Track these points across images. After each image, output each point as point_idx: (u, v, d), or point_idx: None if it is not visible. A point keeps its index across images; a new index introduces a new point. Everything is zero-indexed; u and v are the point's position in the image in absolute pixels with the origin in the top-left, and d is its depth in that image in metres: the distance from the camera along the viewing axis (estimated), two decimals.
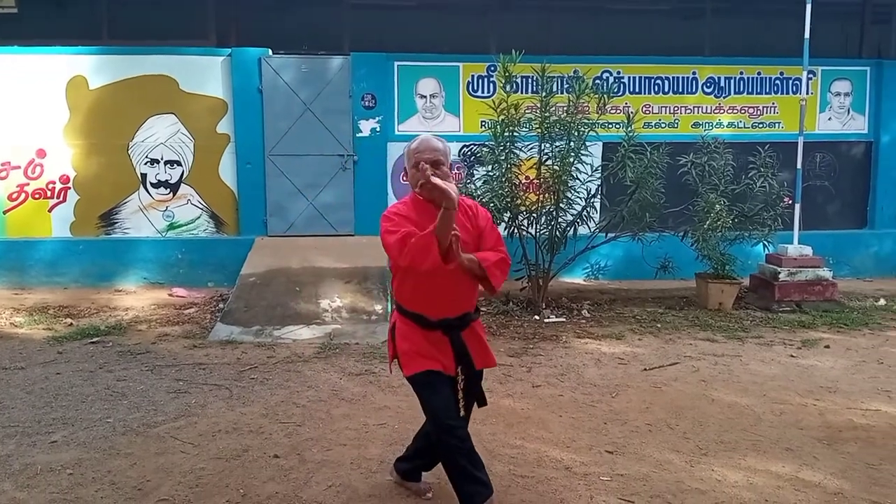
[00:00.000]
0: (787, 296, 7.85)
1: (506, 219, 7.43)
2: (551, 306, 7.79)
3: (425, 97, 9.36)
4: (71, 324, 7.06)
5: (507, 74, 7.26)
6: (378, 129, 9.21)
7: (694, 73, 9.74)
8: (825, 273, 8.01)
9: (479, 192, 7.40)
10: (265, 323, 6.91)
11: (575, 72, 8.88)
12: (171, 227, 9.16)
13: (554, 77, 7.60)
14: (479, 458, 3.14)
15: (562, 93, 8.03)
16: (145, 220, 9.10)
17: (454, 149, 8.73)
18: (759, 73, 9.85)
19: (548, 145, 7.49)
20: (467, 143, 9.26)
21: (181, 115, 9.02)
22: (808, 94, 8.33)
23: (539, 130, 7.43)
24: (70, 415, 4.61)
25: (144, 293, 8.52)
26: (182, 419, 4.54)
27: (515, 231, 7.57)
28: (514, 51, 7.17)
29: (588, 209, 7.72)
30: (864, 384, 5.33)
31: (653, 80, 9.68)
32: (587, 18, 10.38)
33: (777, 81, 9.89)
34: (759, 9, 10.41)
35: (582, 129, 7.42)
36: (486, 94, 9.25)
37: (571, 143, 7.40)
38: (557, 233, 7.62)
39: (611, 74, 9.51)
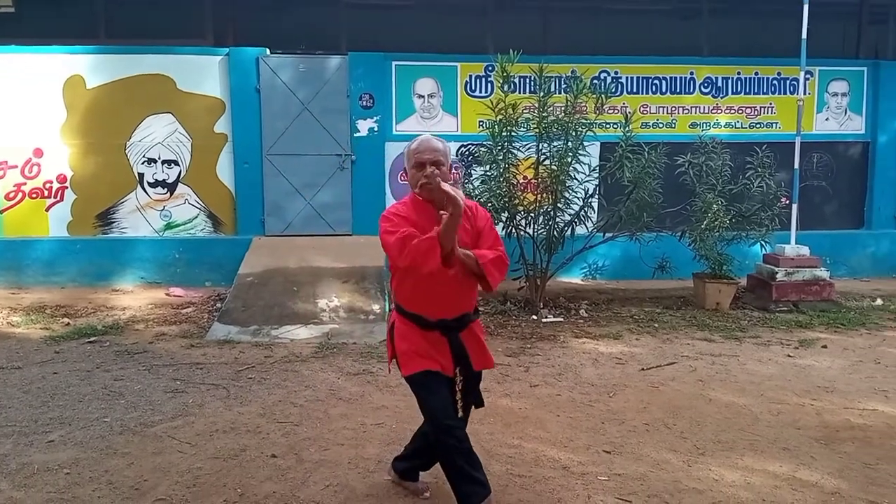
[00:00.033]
0: (784, 296, 7.87)
1: (503, 219, 7.43)
2: (549, 306, 7.79)
3: (423, 97, 9.36)
4: (68, 323, 7.05)
5: (504, 74, 7.26)
6: (376, 129, 9.21)
7: (691, 73, 9.75)
8: (822, 273, 8.03)
9: (476, 192, 7.40)
10: (263, 322, 6.90)
11: (573, 72, 8.88)
12: (169, 226, 9.14)
13: (552, 77, 7.61)
14: (476, 458, 3.14)
15: (560, 93, 8.04)
16: (142, 220, 9.09)
17: (452, 149, 8.70)
18: (756, 74, 9.86)
19: (545, 145, 7.49)
20: (465, 143, 9.25)
21: (178, 115, 9.00)
22: (805, 94, 8.33)
23: (537, 130, 7.44)
24: (67, 414, 4.61)
25: (142, 293, 8.50)
26: (179, 419, 4.54)
27: (513, 231, 7.57)
28: (511, 51, 7.17)
29: (586, 209, 7.72)
30: (861, 384, 5.34)
31: (650, 81, 9.68)
32: (585, 19, 10.40)
33: (774, 82, 9.90)
34: (757, 9, 10.44)
35: (580, 129, 7.43)
36: (483, 94, 9.25)
37: (569, 143, 7.41)
38: (555, 233, 7.62)
39: (608, 74, 9.52)
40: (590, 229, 7.99)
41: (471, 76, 9.37)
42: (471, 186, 7.68)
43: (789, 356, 6.10)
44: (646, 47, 9.84)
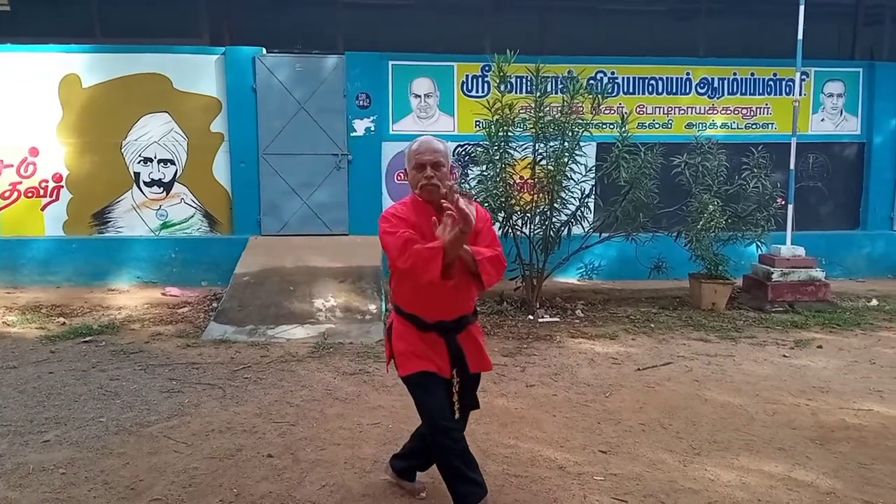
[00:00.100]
0: (779, 296, 7.89)
1: (500, 218, 7.43)
2: (545, 306, 7.80)
3: (420, 97, 9.36)
4: (64, 323, 7.03)
5: (501, 74, 7.26)
6: (372, 129, 9.20)
7: (688, 73, 9.76)
8: (818, 273, 8.05)
9: (473, 192, 7.40)
10: (259, 322, 6.90)
11: (569, 72, 8.88)
12: (165, 225, 9.13)
13: (548, 77, 7.61)
14: (473, 458, 3.14)
15: (556, 93, 8.05)
16: (138, 219, 9.07)
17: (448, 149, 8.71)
18: (752, 74, 9.88)
19: (542, 145, 7.50)
20: (462, 143, 9.25)
21: (175, 114, 8.99)
22: (801, 95, 8.35)
23: (533, 130, 7.44)
24: (63, 414, 4.60)
25: (138, 292, 8.49)
26: (175, 418, 4.53)
27: (510, 231, 7.58)
28: (508, 51, 7.17)
29: (582, 209, 7.73)
30: (857, 384, 5.36)
31: (647, 81, 9.70)
32: (582, 19, 10.40)
33: (770, 82, 9.92)
34: (753, 10, 10.45)
35: (576, 129, 7.43)
36: (480, 94, 9.24)
37: (566, 143, 7.41)
38: (551, 233, 7.63)
39: (605, 75, 9.53)
40: (586, 229, 8.01)
41: (467, 76, 9.37)
42: (467, 186, 7.68)
43: (785, 356, 6.12)
44: (643, 47, 9.85)
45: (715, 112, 9.87)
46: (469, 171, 8.28)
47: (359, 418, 4.54)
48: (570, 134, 7.42)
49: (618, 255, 9.01)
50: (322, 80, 9.05)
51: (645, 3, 10.42)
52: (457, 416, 3.16)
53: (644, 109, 9.69)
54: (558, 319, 7.37)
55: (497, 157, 7.39)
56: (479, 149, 7.69)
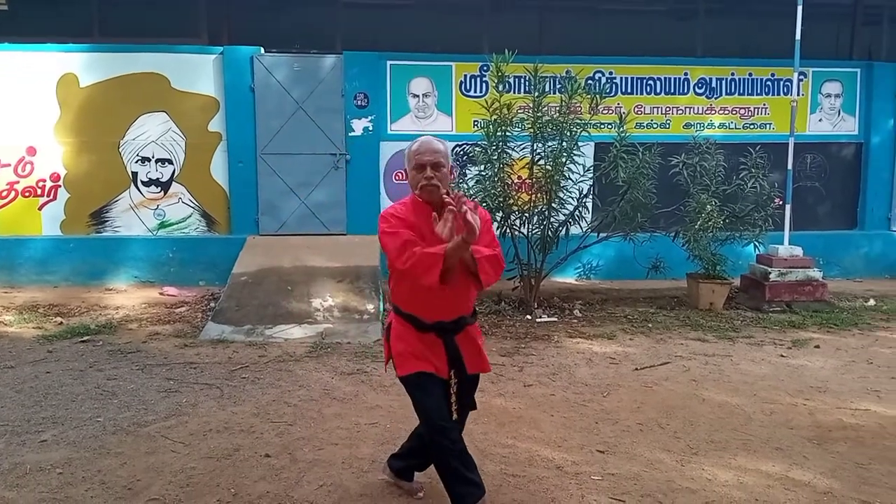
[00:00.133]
0: (777, 296, 7.89)
1: (498, 218, 7.43)
2: (543, 306, 7.80)
3: (418, 96, 9.35)
4: (61, 322, 7.02)
5: (499, 74, 7.27)
6: (370, 129, 9.20)
7: (686, 73, 9.77)
8: (815, 273, 8.06)
9: (471, 192, 7.40)
10: (257, 322, 6.89)
11: (567, 72, 8.88)
12: (162, 225, 9.12)
13: (546, 77, 7.61)
14: (471, 458, 3.13)
15: (554, 93, 8.04)
16: (136, 219, 9.06)
17: None
18: (750, 75, 9.89)
19: (540, 145, 7.50)
20: (460, 143, 9.25)
21: (173, 114, 8.98)
22: (798, 95, 8.37)
23: (531, 130, 7.44)
24: (60, 414, 4.59)
25: (135, 292, 8.48)
26: (173, 418, 4.52)
27: (508, 231, 7.58)
28: (506, 51, 7.18)
29: (580, 209, 7.74)
30: (854, 384, 5.37)
31: (645, 81, 9.70)
32: (580, 19, 10.40)
33: (768, 83, 9.93)
34: (751, 10, 10.46)
35: (574, 129, 7.44)
36: (478, 94, 9.25)
37: (564, 143, 7.41)
38: (549, 232, 7.63)
39: (603, 75, 9.53)
40: (584, 229, 8.01)
41: (465, 76, 9.37)
42: (465, 186, 7.68)
43: (782, 356, 6.12)
44: (641, 48, 9.85)
45: (713, 112, 9.88)
46: (467, 171, 8.28)
47: (356, 418, 4.54)
48: (568, 134, 7.42)
49: (616, 254, 9.02)
50: (320, 79, 9.04)
51: (643, 4, 10.43)
52: (455, 416, 3.16)
53: (642, 109, 9.70)
54: (556, 319, 7.38)
55: (495, 157, 7.39)
56: (477, 149, 7.69)
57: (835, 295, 8.37)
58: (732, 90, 9.90)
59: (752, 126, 9.96)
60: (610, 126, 7.86)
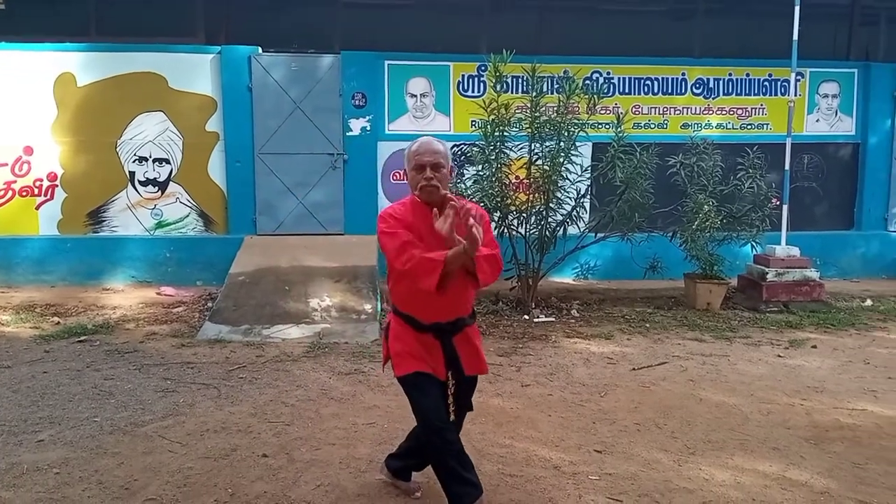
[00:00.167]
0: (774, 296, 7.90)
1: (496, 218, 7.43)
2: (541, 306, 7.81)
3: (416, 96, 9.35)
4: (58, 322, 7.01)
5: (497, 74, 7.27)
6: (368, 128, 9.20)
7: (683, 74, 9.78)
8: (812, 274, 8.07)
9: (469, 192, 7.40)
10: (254, 322, 6.89)
11: (565, 72, 8.90)
12: (160, 225, 9.11)
13: (544, 77, 7.60)
14: (468, 458, 3.13)
15: (552, 93, 8.03)
16: (133, 219, 9.05)
17: None
18: (747, 75, 9.90)
19: (538, 145, 7.50)
20: (457, 143, 9.24)
21: (170, 113, 8.97)
22: (796, 95, 8.39)
23: (529, 130, 7.44)
24: (57, 414, 4.58)
25: (132, 292, 8.47)
26: (170, 418, 4.52)
27: (505, 231, 7.58)
28: (504, 51, 7.18)
29: (578, 209, 7.74)
30: (851, 384, 5.38)
31: (642, 81, 9.71)
32: (578, 19, 10.40)
33: (765, 83, 9.94)
34: (749, 10, 10.47)
35: (572, 129, 7.44)
36: (476, 94, 9.25)
37: (561, 143, 7.41)
38: (547, 232, 7.63)
39: (601, 75, 9.54)
40: (581, 229, 8.01)
41: (463, 76, 9.37)
42: (463, 186, 7.68)
43: (779, 356, 6.13)
44: (639, 48, 9.86)
45: (710, 112, 9.89)
46: (465, 171, 8.29)
47: (354, 418, 4.54)
48: (565, 134, 7.42)
49: (613, 255, 9.03)
50: (318, 79, 9.04)
51: (641, 4, 10.44)
52: (452, 418, 3.15)
53: (640, 109, 9.70)
54: (554, 319, 7.38)
55: (493, 157, 7.39)
56: (475, 148, 7.69)
57: (832, 295, 8.38)
58: (730, 90, 9.91)
59: (749, 126, 9.97)
60: (607, 126, 7.86)
